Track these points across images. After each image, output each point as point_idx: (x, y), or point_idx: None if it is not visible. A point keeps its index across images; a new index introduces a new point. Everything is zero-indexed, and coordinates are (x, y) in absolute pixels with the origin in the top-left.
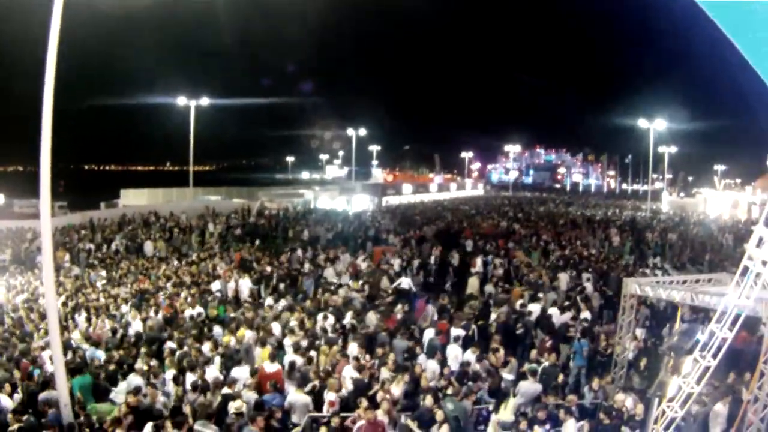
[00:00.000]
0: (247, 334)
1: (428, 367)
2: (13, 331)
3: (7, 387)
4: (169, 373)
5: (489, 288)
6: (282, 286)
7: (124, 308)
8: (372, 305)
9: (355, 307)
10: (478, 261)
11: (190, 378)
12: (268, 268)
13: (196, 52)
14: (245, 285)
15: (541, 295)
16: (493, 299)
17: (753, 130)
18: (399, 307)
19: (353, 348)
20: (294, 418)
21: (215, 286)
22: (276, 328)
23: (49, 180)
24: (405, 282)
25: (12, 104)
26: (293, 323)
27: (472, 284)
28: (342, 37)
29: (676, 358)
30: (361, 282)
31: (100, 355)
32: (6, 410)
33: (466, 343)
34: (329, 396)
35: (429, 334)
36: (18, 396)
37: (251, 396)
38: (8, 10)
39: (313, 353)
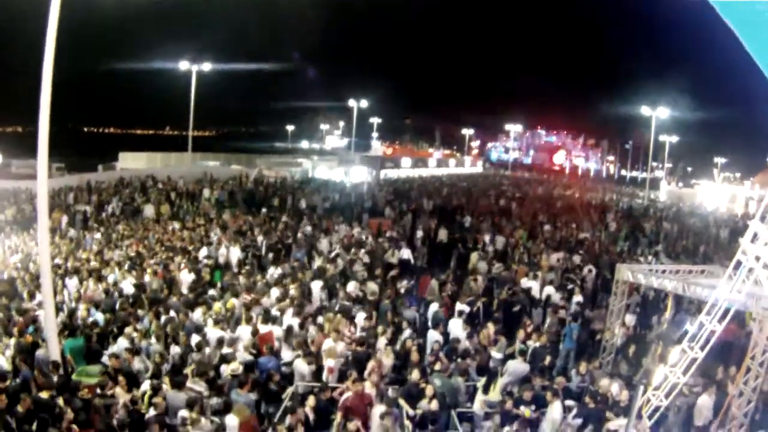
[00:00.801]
0: (237, 303)
1: (431, 337)
2: (2, 291)
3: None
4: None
5: (482, 265)
6: (270, 255)
7: (118, 272)
8: (373, 276)
9: (357, 278)
10: (486, 238)
11: (194, 339)
12: (260, 238)
13: (199, 17)
14: (235, 253)
15: (539, 273)
16: (497, 277)
17: (755, 126)
18: (405, 282)
19: (360, 317)
20: (297, 384)
21: (202, 252)
22: (274, 293)
23: (47, 141)
24: (405, 253)
25: (13, 65)
26: (293, 291)
27: (474, 260)
28: (347, 8)
29: (664, 347)
30: (363, 252)
31: (99, 317)
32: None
33: (471, 319)
34: (328, 362)
35: (434, 307)
36: (9, 353)
37: (247, 357)
38: None
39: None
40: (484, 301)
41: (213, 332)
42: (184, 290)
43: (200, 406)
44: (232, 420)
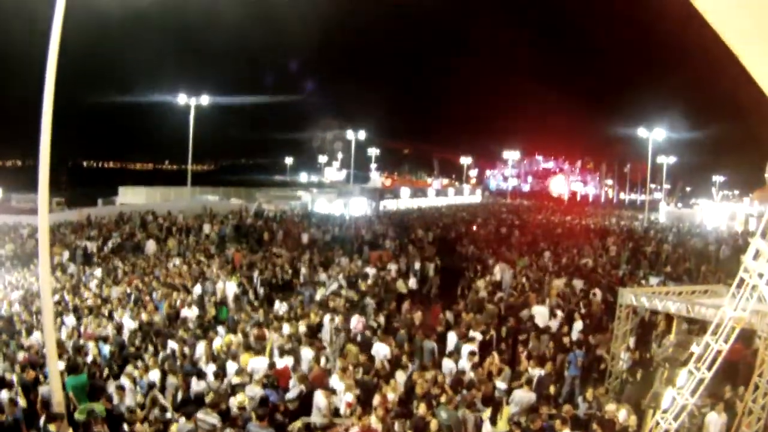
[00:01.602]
0: (234, 339)
1: (446, 367)
2: (1, 328)
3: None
4: (154, 374)
5: (483, 294)
6: (262, 291)
7: (120, 309)
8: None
9: (368, 311)
10: (497, 268)
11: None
12: (255, 273)
13: (197, 51)
14: (231, 288)
15: (547, 300)
16: (511, 305)
17: (752, 143)
18: (419, 314)
19: (383, 348)
20: (313, 417)
21: (197, 289)
22: (285, 330)
23: (47, 176)
24: (412, 282)
25: (12, 99)
26: (303, 327)
27: (480, 289)
28: (344, 40)
29: (671, 370)
30: (370, 282)
31: (106, 351)
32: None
33: (484, 348)
34: (347, 397)
35: (453, 337)
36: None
37: (257, 391)
38: (12, 5)
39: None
40: (497, 329)
41: (231, 365)
42: (190, 325)
43: None
44: None
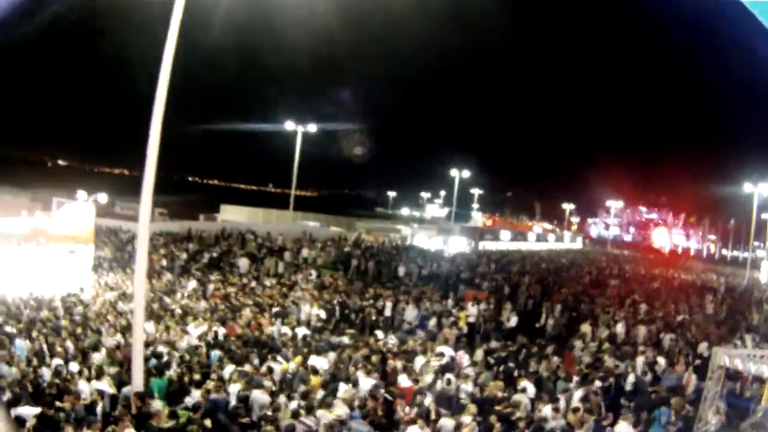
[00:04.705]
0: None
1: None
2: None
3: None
4: (234, 387)
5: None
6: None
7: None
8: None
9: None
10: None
11: None
12: (336, 300)
13: (305, 82)
14: (314, 313)
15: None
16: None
17: None
18: (555, 358)
19: (529, 386)
20: None
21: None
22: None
23: (152, 184)
24: (513, 320)
25: (126, 111)
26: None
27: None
28: (454, 83)
29: None
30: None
31: (216, 354)
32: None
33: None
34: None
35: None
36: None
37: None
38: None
39: None
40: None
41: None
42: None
43: None
44: None
